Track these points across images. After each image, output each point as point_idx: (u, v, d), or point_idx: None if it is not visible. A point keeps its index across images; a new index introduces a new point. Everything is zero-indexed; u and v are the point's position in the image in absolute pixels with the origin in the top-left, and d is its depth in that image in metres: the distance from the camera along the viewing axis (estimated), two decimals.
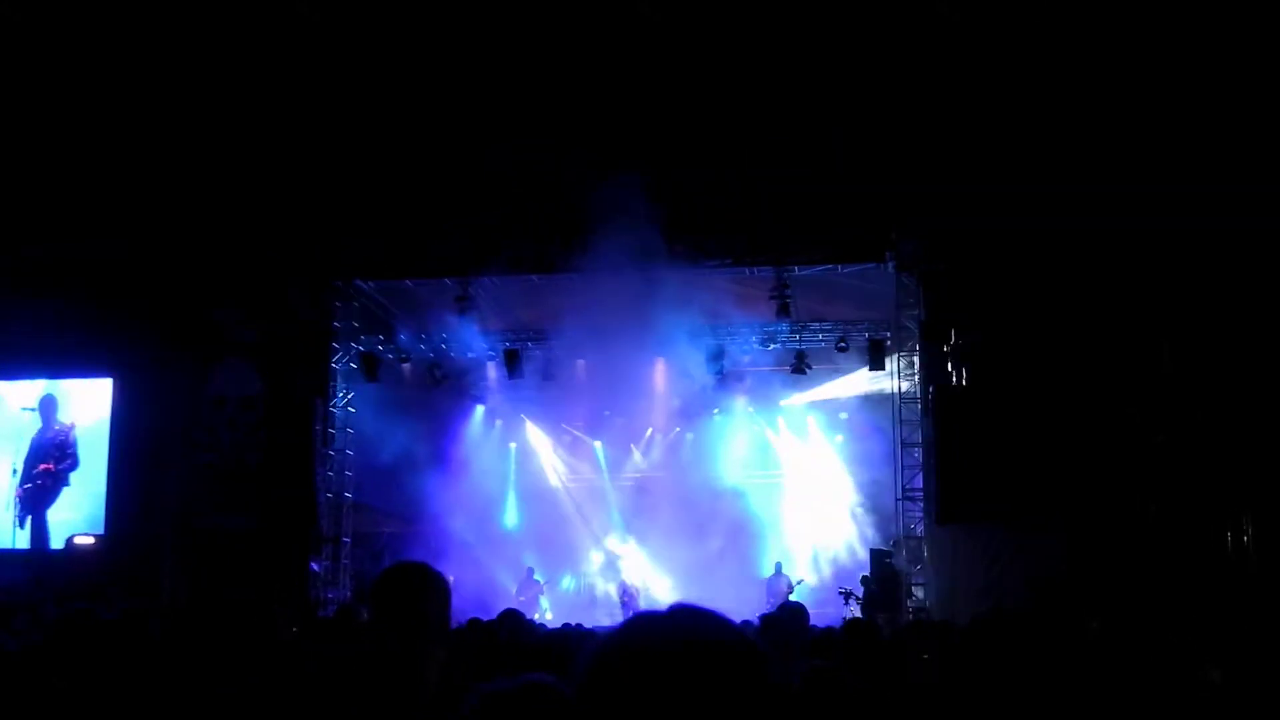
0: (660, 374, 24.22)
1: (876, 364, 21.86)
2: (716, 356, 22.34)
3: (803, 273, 20.99)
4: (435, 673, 3.61)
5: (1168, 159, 16.94)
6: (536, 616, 21.36)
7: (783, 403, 25.66)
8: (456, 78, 18.58)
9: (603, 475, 26.67)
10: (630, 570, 24.45)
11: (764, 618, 8.93)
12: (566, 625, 12.60)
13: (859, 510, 24.45)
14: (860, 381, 23.97)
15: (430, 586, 3.73)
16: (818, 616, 11.09)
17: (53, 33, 18.14)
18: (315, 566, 21.61)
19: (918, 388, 20.46)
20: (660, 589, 23.59)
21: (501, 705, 2.52)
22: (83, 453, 22.37)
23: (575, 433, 26.83)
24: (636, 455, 26.74)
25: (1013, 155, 17.92)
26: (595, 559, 25.95)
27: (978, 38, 17.15)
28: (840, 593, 19.81)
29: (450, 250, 21.06)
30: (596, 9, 17.38)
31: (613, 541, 25.78)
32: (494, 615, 9.18)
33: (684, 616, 1.70)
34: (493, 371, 23.93)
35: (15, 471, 22.34)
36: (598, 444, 26.83)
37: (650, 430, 26.58)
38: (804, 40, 17.84)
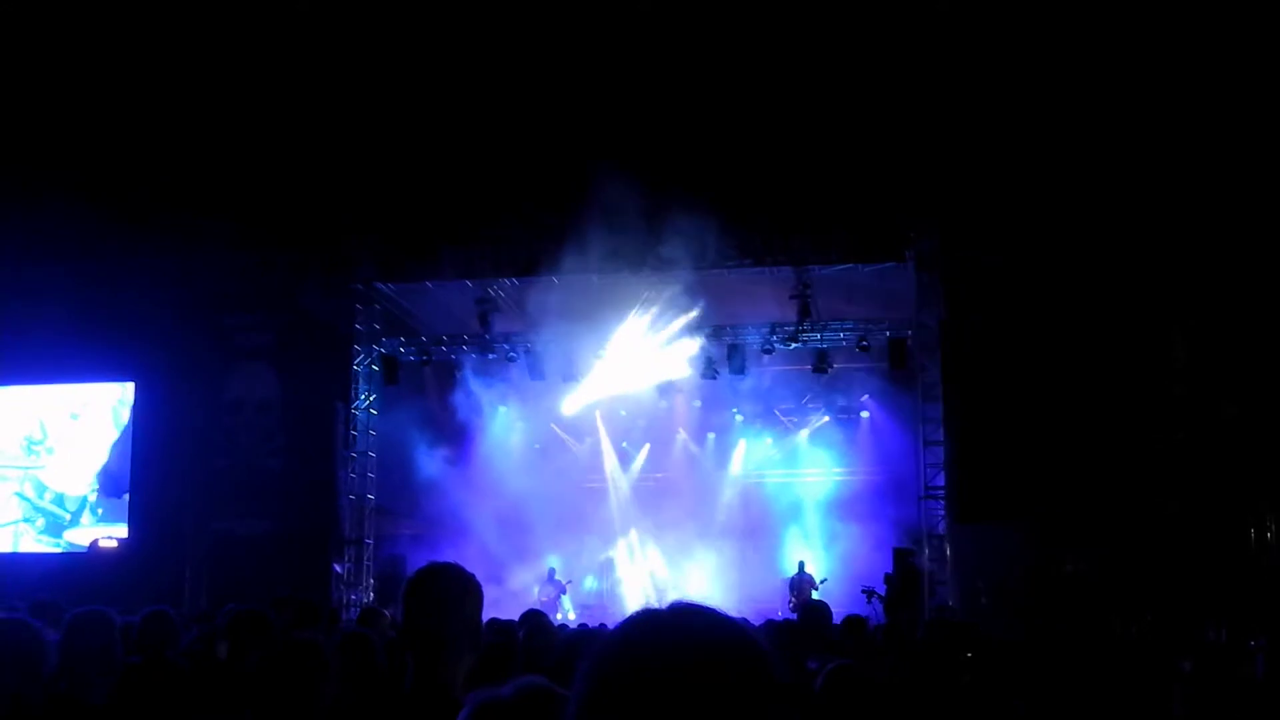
0: (680, 374, 24.21)
1: (897, 362, 21.80)
2: (736, 356, 22.33)
3: (823, 272, 20.96)
4: (463, 677, 3.57)
5: (1181, 152, 16.89)
6: (559, 617, 21.35)
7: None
8: (471, 80, 18.61)
9: (626, 475, 26.67)
10: (656, 569, 24.45)
11: (784, 621, 8.95)
12: (584, 626, 12.57)
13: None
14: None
15: (465, 589, 3.66)
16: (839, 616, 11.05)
17: (56, 37, 18.24)
18: (338, 568, 21.70)
19: (939, 386, 20.40)
20: (684, 587, 23.54)
21: (497, 713, 2.49)
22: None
23: (598, 433, 26.82)
24: (658, 455, 26.72)
25: (1030, 154, 17.88)
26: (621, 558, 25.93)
27: (992, 36, 17.12)
28: (862, 591, 19.74)
29: (468, 252, 21.12)
30: (615, 10, 17.41)
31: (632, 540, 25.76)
32: (514, 616, 9.17)
33: (684, 616, 1.69)
34: (515, 372, 23.91)
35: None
36: (624, 444, 26.84)
37: (675, 430, 26.57)
38: (821, 40, 17.84)
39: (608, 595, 25.64)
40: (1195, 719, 4.79)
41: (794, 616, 15.44)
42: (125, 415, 22.73)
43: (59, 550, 22.33)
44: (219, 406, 22.20)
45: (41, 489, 22.90)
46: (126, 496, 22.37)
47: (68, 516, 22.67)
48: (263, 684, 4.32)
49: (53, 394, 23.21)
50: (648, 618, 1.69)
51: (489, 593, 3.81)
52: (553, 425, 26.39)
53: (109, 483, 22.64)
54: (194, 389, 22.17)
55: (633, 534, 25.98)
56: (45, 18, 18.16)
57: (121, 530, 21.99)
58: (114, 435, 22.74)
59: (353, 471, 22.46)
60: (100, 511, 22.56)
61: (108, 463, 22.69)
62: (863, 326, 22.33)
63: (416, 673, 3.56)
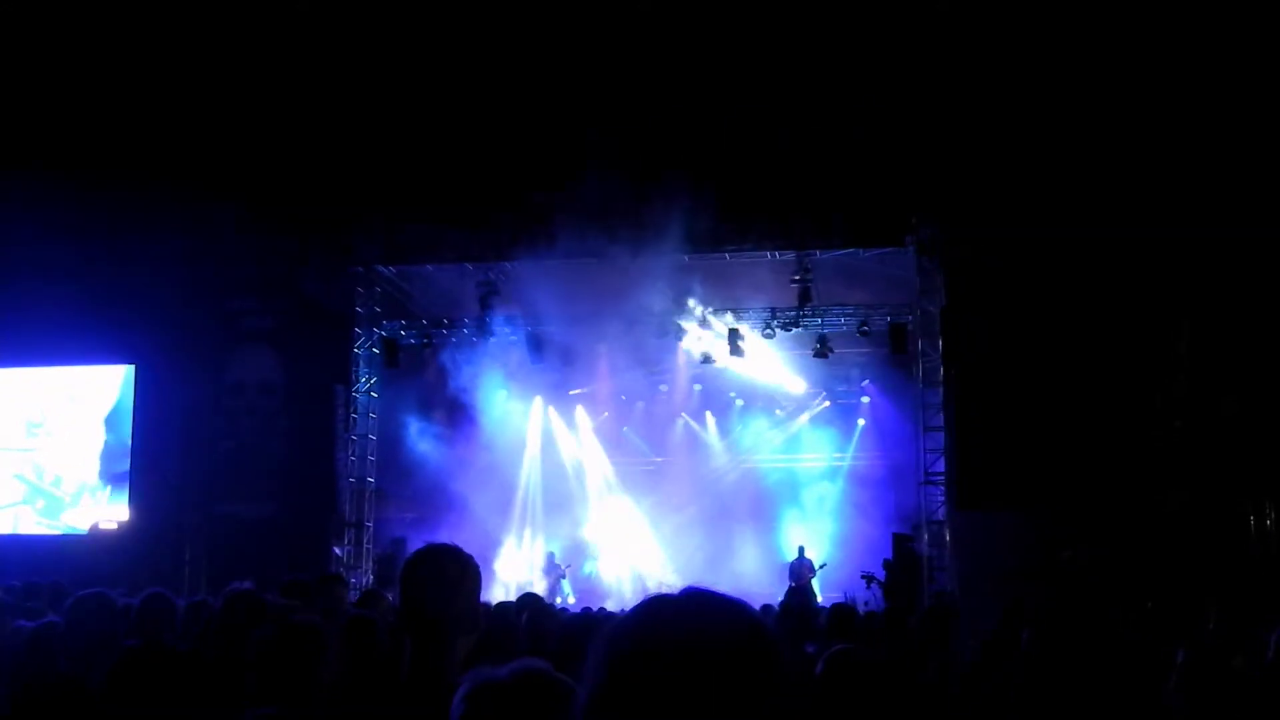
0: (680, 359, 24.23)
1: (898, 348, 21.79)
2: (735, 341, 22.32)
3: (824, 256, 20.93)
4: (460, 661, 3.57)
5: (1185, 144, 16.86)
6: (558, 601, 21.38)
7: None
8: (470, 63, 18.57)
9: (626, 459, 26.67)
10: (650, 557, 24.50)
11: (784, 603, 8.94)
12: (587, 609, 12.59)
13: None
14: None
15: (462, 571, 3.63)
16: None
17: (60, 19, 18.21)
18: (337, 551, 21.72)
19: (940, 371, 20.40)
20: (682, 573, 23.58)
21: (494, 694, 2.49)
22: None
23: (598, 417, 26.82)
24: (657, 440, 26.72)
25: (1031, 139, 17.85)
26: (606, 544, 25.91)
27: (994, 22, 17.08)
28: (862, 577, 19.79)
29: (468, 235, 21.08)
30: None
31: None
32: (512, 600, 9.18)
33: (695, 600, 1.70)
34: (515, 356, 23.89)
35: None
36: (624, 429, 26.84)
37: (675, 414, 26.58)
38: (823, 23, 17.79)
39: (606, 580, 25.65)
40: (1191, 707, 4.78)
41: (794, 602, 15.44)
42: (125, 398, 22.73)
43: (57, 533, 22.33)
44: (220, 389, 22.20)
45: (41, 471, 22.92)
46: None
47: (67, 499, 22.68)
48: (261, 666, 4.32)
49: (52, 376, 23.20)
50: (660, 602, 1.70)
51: (487, 576, 3.81)
52: (551, 407, 26.41)
53: (111, 460, 22.71)
54: (195, 372, 22.17)
55: (629, 520, 25.97)
56: (51, 2, 18.14)
57: (121, 513, 21.99)
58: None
59: (353, 455, 22.48)
60: (99, 494, 22.57)
61: (108, 440, 22.73)
62: (863, 311, 22.30)
63: (415, 655, 3.55)
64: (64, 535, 22.12)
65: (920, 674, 6.15)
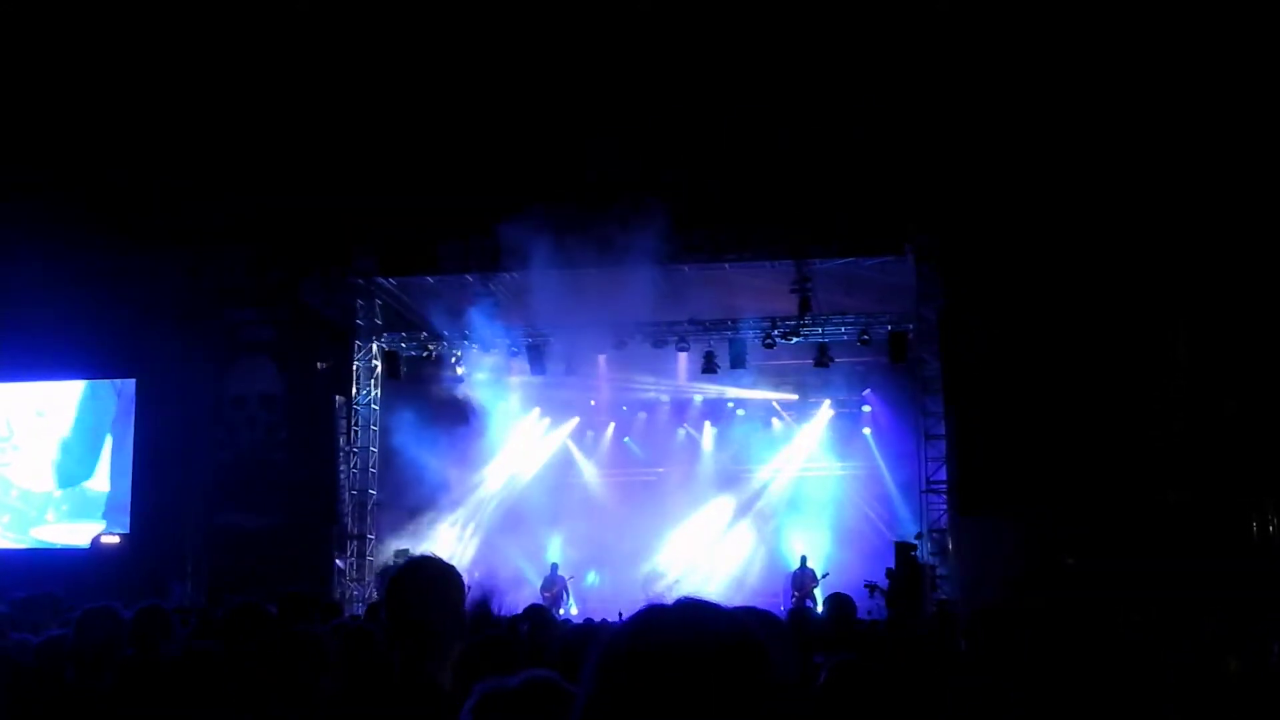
0: (682, 368, 24.21)
1: (898, 356, 21.76)
2: (737, 350, 22.29)
3: (823, 265, 20.92)
4: (449, 670, 3.62)
5: (1184, 144, 16.89)
6: (561, 612, 21.36)
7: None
8: (470, 71, 18.61)
9: (626, 469, 26.63)
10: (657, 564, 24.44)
11: (791, 612, 8.92)
12: (588, 620, 12.59)
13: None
14: None
15: (446, 581, 3.72)
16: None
17: (59, 30, 18.25)
18: (339, 563, 21.72)
19: (940, 379, 20.40)
20: (683, 583, 23.54)
21: (502, 704, 2.51)
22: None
23: (598, 427, 26.81)
24: (658, 449, 26.68)
25: (1030, 145, 17.88)
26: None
27: (992, 29, 17.13)
28: (865, 586, 19.77)
29: (467, 246, 21.09)
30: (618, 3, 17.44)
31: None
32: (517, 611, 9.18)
33: (689, 609, 1.72)
34: (515, 366, 23.89)
35: None
36: (626, 439, 26.81)
37: (675, 424, 26.56)
38: (820, 32, 17.84)
39: (609, 590, 25.60)
40: (1193, 709, 4.78)
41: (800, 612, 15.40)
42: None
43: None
44: (221, 401, 22.22)
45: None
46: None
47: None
48: (260, 676, 4.34)
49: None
50: (653, 613, 1.72)
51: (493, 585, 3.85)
52: (551, 417, 26.40)
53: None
54: (196, 384, 22.19)
55: (631, 531, 25.93)
56: (49, 12, 18.17)
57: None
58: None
59: (354, 466, 22.48)
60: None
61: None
62: (864, 320, 22.26)
63: (403, 665, 3.64)
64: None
65: (923, 681, 6.13)
